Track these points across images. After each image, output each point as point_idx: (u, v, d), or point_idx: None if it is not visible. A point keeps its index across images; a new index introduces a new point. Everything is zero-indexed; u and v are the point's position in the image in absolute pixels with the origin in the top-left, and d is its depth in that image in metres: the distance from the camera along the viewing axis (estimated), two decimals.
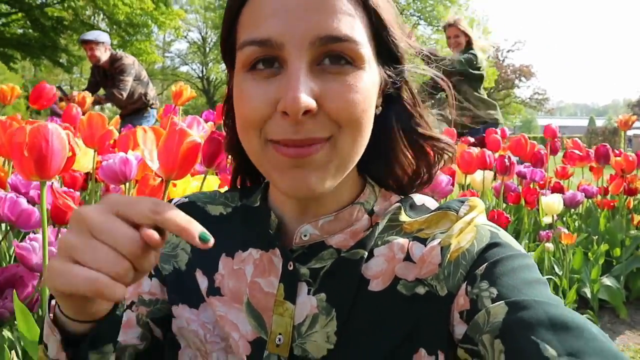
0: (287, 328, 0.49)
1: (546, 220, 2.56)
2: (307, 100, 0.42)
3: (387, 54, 0.50)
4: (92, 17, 13.14)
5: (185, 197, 0.62)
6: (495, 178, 2.41)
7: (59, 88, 3.59)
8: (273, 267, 0.52)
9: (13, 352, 0.95)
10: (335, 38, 0.43)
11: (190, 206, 0.60)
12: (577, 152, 3.06)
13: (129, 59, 3.94)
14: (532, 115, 43.01)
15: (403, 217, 0.52)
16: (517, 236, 2.47)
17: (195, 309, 0.55)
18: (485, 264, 0.45)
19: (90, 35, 3.83)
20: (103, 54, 3.83)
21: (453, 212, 0.50)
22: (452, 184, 1.86)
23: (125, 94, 3.79)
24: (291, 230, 0.53)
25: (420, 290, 0.48)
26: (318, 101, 0.43)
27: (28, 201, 1.19)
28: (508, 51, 26.22)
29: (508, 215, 2.03)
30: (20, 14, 11.90)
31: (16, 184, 1.34)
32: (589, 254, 2.47)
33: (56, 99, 2.28)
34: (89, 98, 3.00)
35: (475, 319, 0.42)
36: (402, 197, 0.55)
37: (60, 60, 13.04)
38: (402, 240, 0.50)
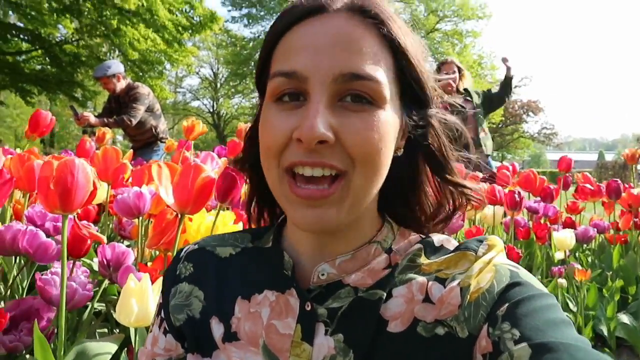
0: None
1: (558, 255, 2.53)
2: (322, 130, 0.43)
3: (412, 96, 0.51)
4: (108, 54, 13.54)
5: (195, 244, 0.61)
6: (505, 215, 2.41)
7: (72, 107, 3.70)
8: (290, 308, 0.51)
9: None
10: (357, 76, 0.44)
11: (200, 252, 0.60)
12: (588, 186, 3.04)
13: (144, 89, 4.00)
14: (540, 150, 42.94)
15: (422, 259, 0.51)
16: (529, 272, 2.42)
17: (208, 358, 0.54)
18: (506, 305, 0.43)
19: (100, 71, 3.85)
20: (117, 84, 3.88)
21: (472, 252, 0.50)
22: (463, 219, 1.86)
23: (134, 121, 3.81)
24: (307, 269, 0.53)
25: (440, 331, 0.47)
26: (336, 134, 0.44)
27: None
28: (515, 87, 26.36)
29: (519, 251, 2.01)
30: (40, 51, 12.30)
31: (32, 216, 1.36)
32: (604, 290, 2.42)
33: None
34: (109, 134, 3.05)
35: None
36: (422, 237, 0.55)
37: (76, 95, 13.36)
38: (421, 281, 0.49)
